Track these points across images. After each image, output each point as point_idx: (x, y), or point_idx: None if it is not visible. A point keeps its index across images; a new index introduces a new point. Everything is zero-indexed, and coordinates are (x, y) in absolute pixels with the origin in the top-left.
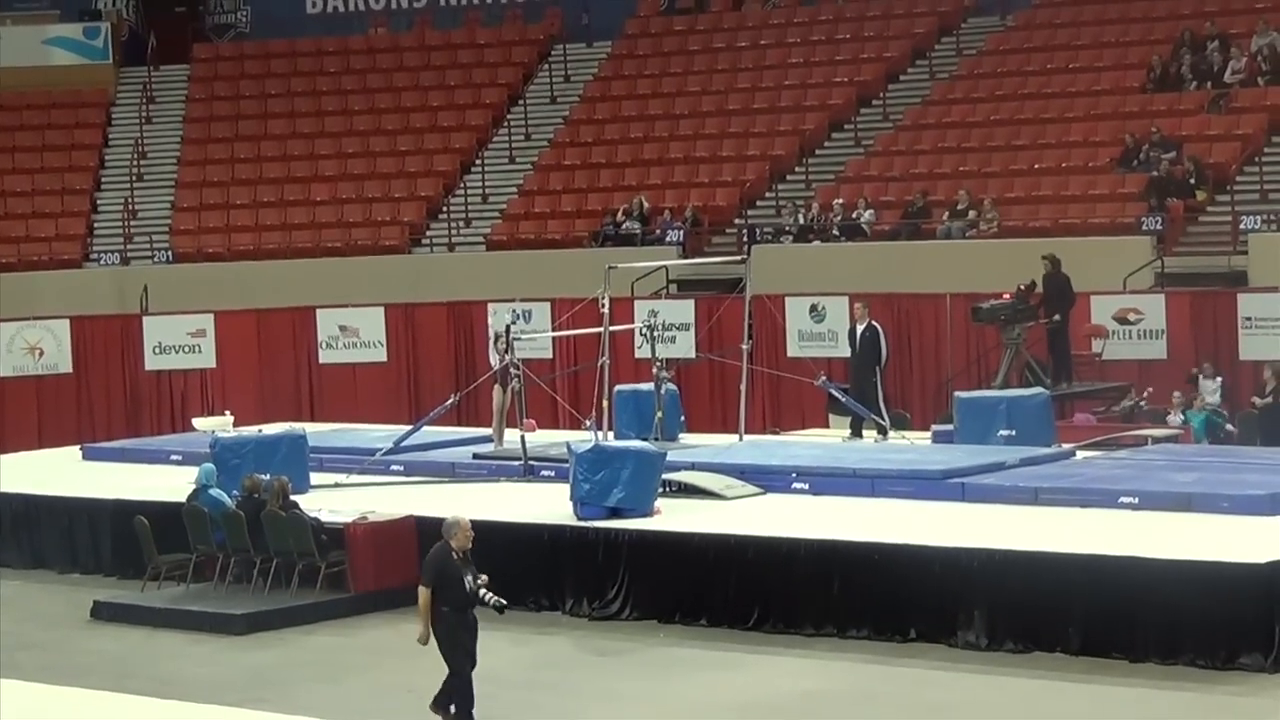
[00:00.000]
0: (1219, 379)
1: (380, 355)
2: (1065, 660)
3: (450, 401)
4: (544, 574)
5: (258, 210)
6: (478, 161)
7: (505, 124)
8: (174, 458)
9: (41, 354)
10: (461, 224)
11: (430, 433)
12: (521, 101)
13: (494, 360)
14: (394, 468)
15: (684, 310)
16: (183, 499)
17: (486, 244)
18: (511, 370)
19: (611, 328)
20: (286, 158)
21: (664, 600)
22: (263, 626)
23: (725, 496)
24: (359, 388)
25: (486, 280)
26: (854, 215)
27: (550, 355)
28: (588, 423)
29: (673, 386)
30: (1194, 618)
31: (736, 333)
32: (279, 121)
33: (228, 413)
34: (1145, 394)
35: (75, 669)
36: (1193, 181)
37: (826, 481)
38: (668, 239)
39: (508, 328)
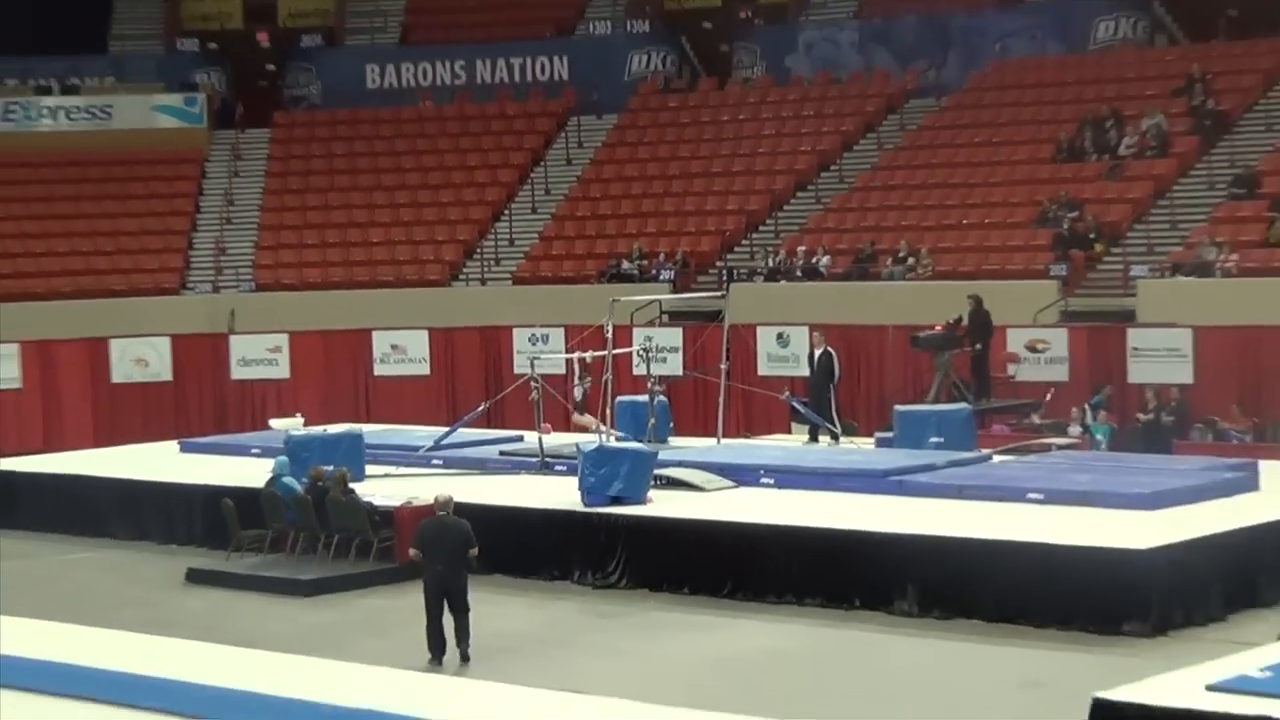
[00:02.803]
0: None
1: (424, 370)
2: (982, 626)
3: (481, 409)
4: (555, 550)
5: (325, 249)
6: (506, 211)
7: (529, 181)
8: (254, 451)
9: (146, 365)
10: (492, 262)
11: (465, 434)
12: (542, 163)
13: (576, 394)
14: (434, 462)
15: (674, 336)
16: (261, 485)
17: (513, 279)
18: (532, 384)
19: (614, 350)
20: (349, 206)
21: (654, 573)
22: (325, 590)
23: (705, 489)
24: (406, 396)
25: (512, 309)
26: (814, 260)
27: (563, 372)
28: (595, 427)
29: (664, 398)
30: (1088, 592)
31: (716, 355)
32: (343, 176)
33: (299, 415)
34: (1047, 396)
35: (171, 623)
36: (1092, 236)
37: (788, 477)
38: (661, 277)
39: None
